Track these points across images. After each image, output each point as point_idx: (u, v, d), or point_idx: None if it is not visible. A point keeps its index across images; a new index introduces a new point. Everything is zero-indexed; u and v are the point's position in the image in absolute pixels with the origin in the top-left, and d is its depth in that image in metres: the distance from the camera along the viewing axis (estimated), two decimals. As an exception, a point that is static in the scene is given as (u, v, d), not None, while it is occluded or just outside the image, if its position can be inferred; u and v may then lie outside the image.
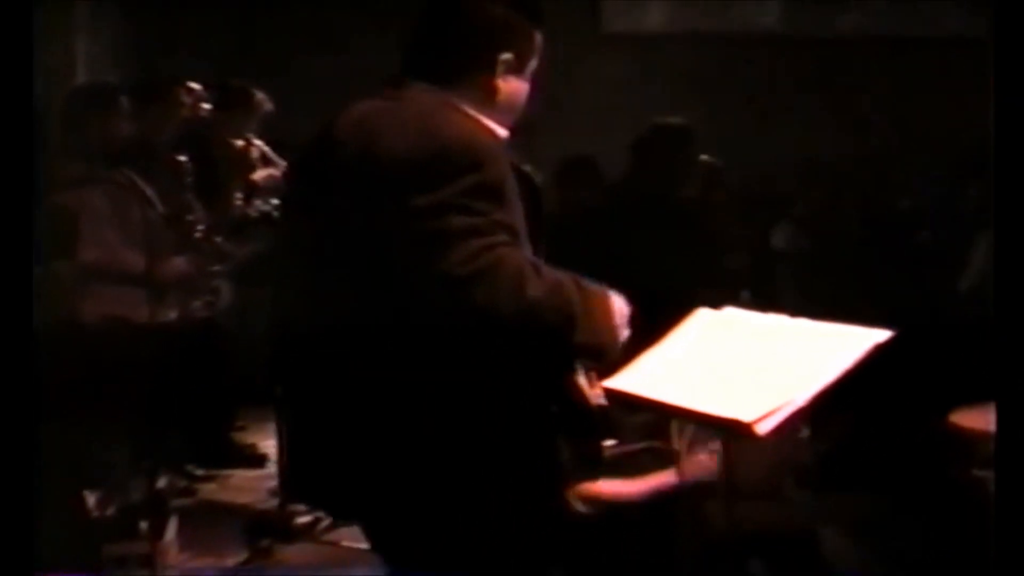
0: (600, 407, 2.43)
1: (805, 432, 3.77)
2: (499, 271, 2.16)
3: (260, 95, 6.30)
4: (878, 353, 2.40)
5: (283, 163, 5.93)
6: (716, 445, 2.74)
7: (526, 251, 2.31)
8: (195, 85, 6.00)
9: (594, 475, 2.76)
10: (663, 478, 3.03)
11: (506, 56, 2.48)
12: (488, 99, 2.48)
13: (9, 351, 2.27)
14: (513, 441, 2.32)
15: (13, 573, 2.21)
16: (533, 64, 2.56)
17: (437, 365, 2.25)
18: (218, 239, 5.73)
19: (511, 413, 2.31)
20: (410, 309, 2.22)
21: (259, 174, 6.06)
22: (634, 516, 3.03)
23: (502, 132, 2.47)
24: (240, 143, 6.06)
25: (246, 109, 6.24)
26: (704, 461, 2.98)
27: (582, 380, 2.41)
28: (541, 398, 2.36)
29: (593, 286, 2.35)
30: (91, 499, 4.37)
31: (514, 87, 2.52)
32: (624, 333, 2.42)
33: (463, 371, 2.25)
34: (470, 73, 2.47)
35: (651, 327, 2.62)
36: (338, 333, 2.31)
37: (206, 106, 5.99)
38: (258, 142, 6.16)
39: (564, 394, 2.39)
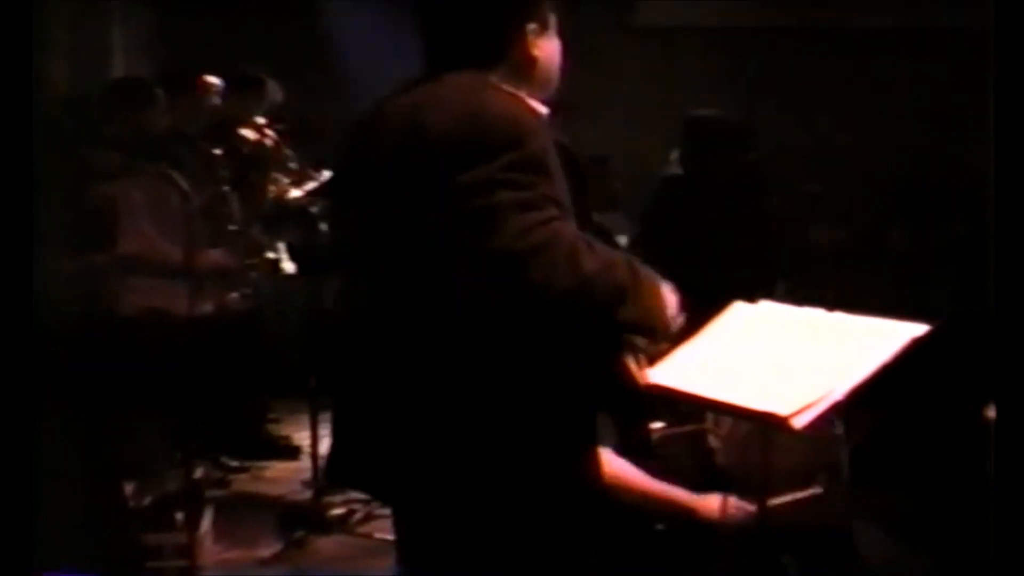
0: (648, 389, 2.42)
1: (839, 429, 3.77)
2: (555, 245, 2.15)
3: (271, 83, 6.36)
4: (915, 347, 2.39)
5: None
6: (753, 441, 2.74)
7: (575, 226, 2.30)
8: (214, 79, 6.05)
9: (642, 457, 2.77)
10: (678, 495, 3.04)
11: (532, 26, 2.48)
12: (527, 72, 2.48)
13: (10, 349, 2.28)
14: (560, 422, 2.32)
15: (12, 572, 2.23)
16: (553, 18, 2.56)
17: (485, 347, 2.25)
18: (253, 231, 5.77)
19: (560, 394, 2.31)
20: (460, 290, 2.22)
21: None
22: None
23: (542, 109, 2.47)
24: (251, 134, 6.09)
25: (257, 96, 6.29)
26: (717, 504, 3.00)
27: (631, 363, 2.41)
28: (590, 379, 2.36)
29: (643, 266, 2.35)
30: (128, 489, 4.40)
31: (547, 50, 2.52)
32: (676, 318, 2.41)
33: (510, 353, 2.25)
34: (505, 52, 2.46)
35: (691, 321, 2.62)
36: (391, 316, 2.32)
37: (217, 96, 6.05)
38: (269, 132, 6.20)
39: (613, 376, 2.39)
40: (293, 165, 6.20)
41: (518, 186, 2.18)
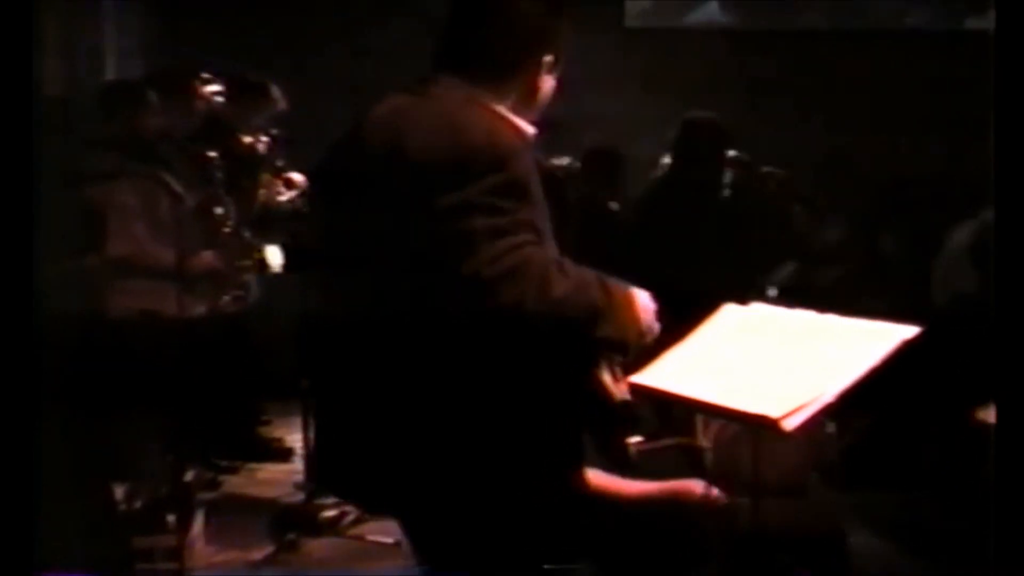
0: (624, 403, 2.42)
1: (831, 429, 3.77)
2: (525, 272, 2.18)
3: (276, 91, 6.34)
4: (906, 349, 2.39)
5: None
6: (743, 442, 2.74)
7: (551, 249, 2.32)
8: (208, 76, 6.02)
9: (621, 472, 2.76)
10: (665, 486, 3.04)
11: (548, 58, 2.51)
12: (528, 99, 2.50)
13: (10, 348, 2.27)
14: (538, 434, 2.33)
15: (13, 572, 2.22)
16: (561, 63, 2.57)
17: (463, 360, 2.26)
18: (246, 233, 5.76)
19: (537, 407, 2.32)
20: (437, 306, 2.23)
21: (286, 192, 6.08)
22: (661, 512, 3.02)
23: (530, 130, 2.47)
24: (247, 139, 6.07)
25: (260, 102, 6.27)
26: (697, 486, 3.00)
27: (606, 376, 2.41)
28: (566, 393, 2.36)
29: (616, 282, 2.36)
30: (119, 492, 4.39)
31: (548, 85, 2.54)
32: (653, 328, 2.41)
33: (489, 367, 2.26)
34: (516, 75, 2.47)
35: (681, 323, 2.62)
36: (368, 328, 2.32)
37: (219, 97, 6.03)
38: (264, 138, 6.17)
39: (588, 390, 2.39)
40: (288, 173, 6.18)
41: (495, 211, 2.20)
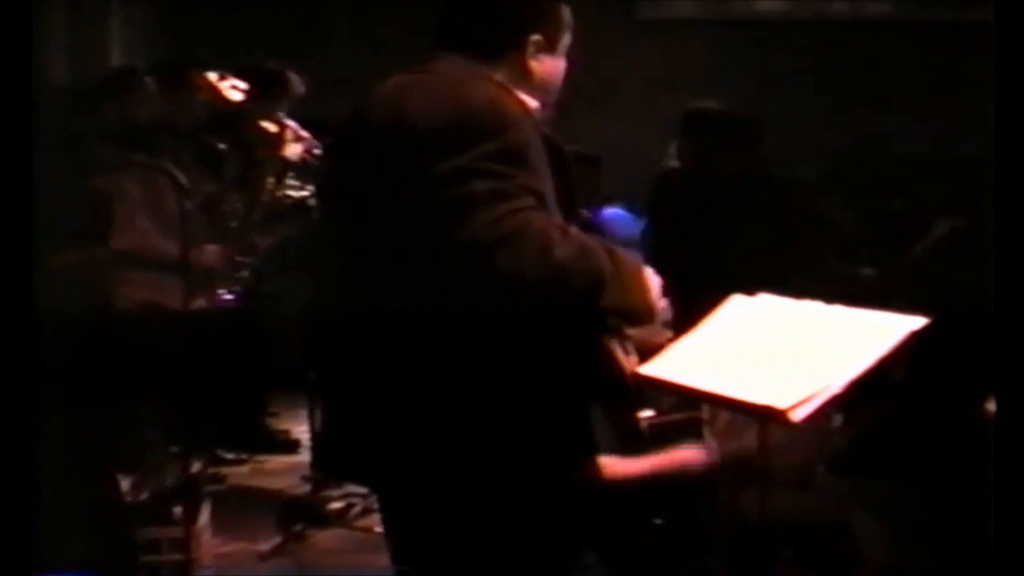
0: (642, 380, 2.40)
1: (838, 420, 3.76)
2: (524, 235, 2.13)
3: (294, 77, 6.31)
4: (914, 340, 2.38)
5: (314, 141, 5.90)
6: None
7: (555, 217, 2.29)
8: (212, 74, 5.99)
9: (635, 446, 2.75)
10: (668, 456, 3.03)
11: (535, 37, 2.48)
12: (523, 78, 2.47)
13: (10, 342, 2.27)
14: (546, 413, 2.31)
15: (12, 572, 2.22)
16: (566, 40, 2.55)
17: (465, 335, 2.24)
18: (253, 228, 5.75)
19: (544, 384, 2.29)
20: (440, 280, 2.21)
21: (289, 150, 6.01)
22: (666, 500, 3.02)
23: (532, 103, 2.45)
24: (273, 127, 6.03)
25: (281, 91, 6.24)
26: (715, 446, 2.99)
27: (617, 349, 2.39)
28: (573, 368, 2.34)
29: (623, 251, 2.34)
30: (125, 484, 4.40)
31: (548, 67, 2.51)
32: (661, 302, 2.40)
33: (491, 341, 2.24)
34: (502, 53, 2.46)
35: (692, 313, 2.60)
36: (372, 308, 2.30)
37: (237, 94, 5.98)
38: (291, 123, 6.14)
39: (598, 364, 2.37)
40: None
41: (495, 176, 2.17)
